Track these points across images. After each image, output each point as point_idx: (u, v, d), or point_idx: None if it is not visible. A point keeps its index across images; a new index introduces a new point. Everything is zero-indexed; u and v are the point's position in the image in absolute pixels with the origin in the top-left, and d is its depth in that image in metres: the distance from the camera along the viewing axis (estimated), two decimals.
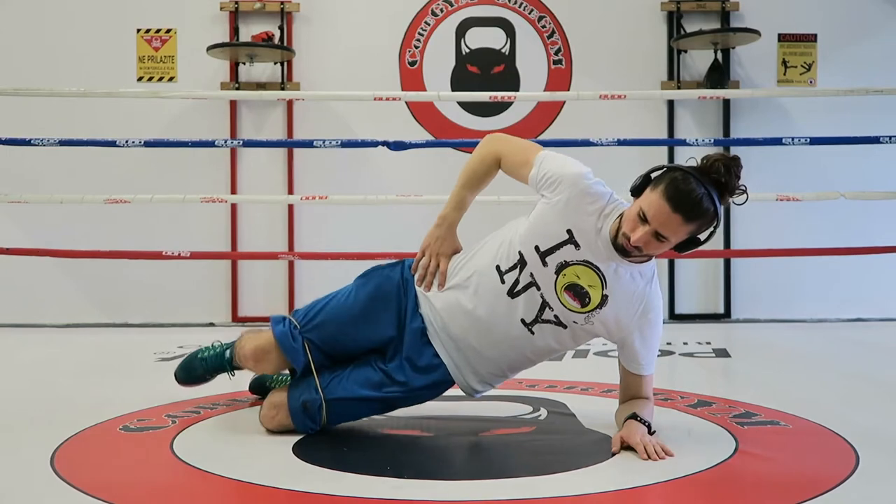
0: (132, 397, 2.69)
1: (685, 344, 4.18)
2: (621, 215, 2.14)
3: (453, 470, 1.98)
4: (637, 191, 2.13)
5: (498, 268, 2.22)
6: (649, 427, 2.11)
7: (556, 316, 2.20)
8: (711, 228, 2.10)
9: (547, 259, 2.17)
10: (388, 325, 2.29)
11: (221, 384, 2.96)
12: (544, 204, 2.21)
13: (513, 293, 2.21)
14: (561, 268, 2.17)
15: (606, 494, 1.79)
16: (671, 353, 3.88)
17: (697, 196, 2.02)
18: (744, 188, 2.10)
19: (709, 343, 4.25)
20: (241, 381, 2.73)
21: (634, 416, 2.12)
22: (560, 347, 2.29)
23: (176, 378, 2.62)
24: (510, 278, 2.21)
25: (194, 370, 2.58)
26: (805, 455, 2.10)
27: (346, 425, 2.31)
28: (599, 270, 2.16)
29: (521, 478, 1.89)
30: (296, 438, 2.18)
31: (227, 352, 2.51)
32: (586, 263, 2.16)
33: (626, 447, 2.05)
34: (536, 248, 2.18)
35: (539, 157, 2.24)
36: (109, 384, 3.14)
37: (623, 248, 2.11)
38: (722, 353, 3.95)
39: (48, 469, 1.92)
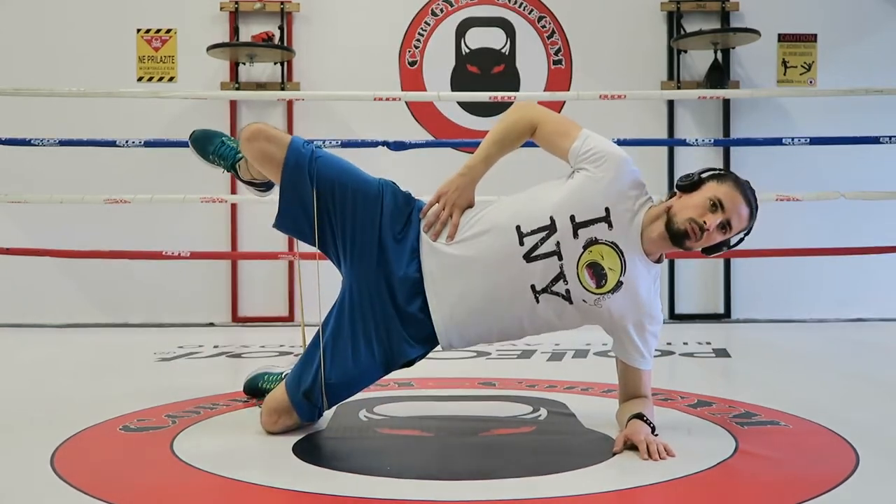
0: (132, 397, 2.68)
1: (685, 344, 4.17)
2: (669, 207, 2.17)
3: (453, 470, 1.98)
4: (687, 187, 2.19)
5: (518, 228, 2.18)
6: (653, 428, 2.11)
7: (567, 290, 2.17)
8: (744, 235, 2.23)
9: (579, 231, 2.16)
10: (379, 229, 2.22)
11: (221, 384, 2.96)
12: (586, 177, 2.19)
13: (530, 257, 2.17)
14: (589, 244, 2.16)
15: (606, 494, 1.79)
16: (671, 353, 3.88)
17: (756, 198, 2.20)
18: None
19: (709, 343, 4.25)
20: (240, 381, 2.73)
21: (640, 416, 2.12)
22: (557, 323, 2.25)
23: (191, 138, 2.65)
24: (531, 241, 2.17)
25: (210, 141, 2.61)
26: (805, 455, 2.09)
27: (345, 425, 2.32)
28: (623, 256, 2.17)
29: (521, 478, 1.89)
30: (296, 438, 2.17)
31: (241, 156, 2.51)
32: (613, 246, 2.17)
33: (627, 446, 2.05)
34: (572, 217, 2.16)
35: (584, 132, 2.25)
36: (109, 384, 3.13)
37: (681, 234, 2.13)
38: (722, 353, 3.95)
39: (48, 469, 1.92)
